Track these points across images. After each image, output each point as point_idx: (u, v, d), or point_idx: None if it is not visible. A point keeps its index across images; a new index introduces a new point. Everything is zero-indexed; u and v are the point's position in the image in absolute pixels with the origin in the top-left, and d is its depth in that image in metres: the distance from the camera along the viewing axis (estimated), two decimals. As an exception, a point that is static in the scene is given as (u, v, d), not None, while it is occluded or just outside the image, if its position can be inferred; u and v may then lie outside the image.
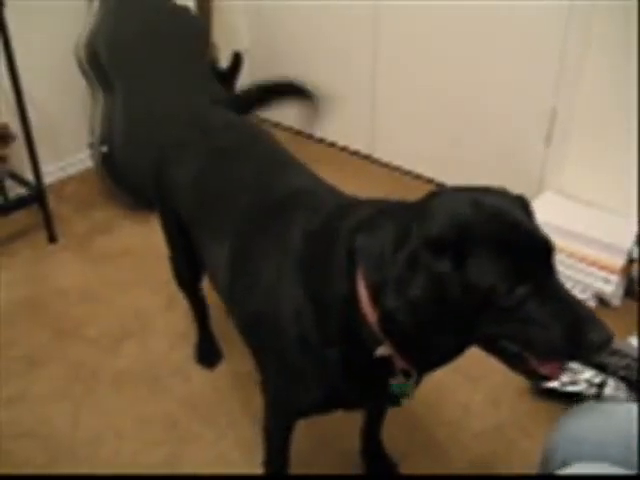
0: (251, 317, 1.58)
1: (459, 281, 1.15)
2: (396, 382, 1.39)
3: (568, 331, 1.17)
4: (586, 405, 1.32)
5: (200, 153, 1.85)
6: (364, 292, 1.28)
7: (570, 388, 2.06)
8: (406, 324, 1.19)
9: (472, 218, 1.20)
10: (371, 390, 1.48)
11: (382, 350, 1.30)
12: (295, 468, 1.82)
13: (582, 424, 1.26)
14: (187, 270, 2.16)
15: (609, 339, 1.17)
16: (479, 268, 1.15)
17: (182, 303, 2.47)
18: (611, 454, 1.21)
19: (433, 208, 1.25)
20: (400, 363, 1.34)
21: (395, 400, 1.45)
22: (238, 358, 2.28)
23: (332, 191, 1.66)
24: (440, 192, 1.32)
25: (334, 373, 1.43)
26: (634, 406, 1.27)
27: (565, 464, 1.24)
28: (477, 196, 1.30)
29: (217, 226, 1.71)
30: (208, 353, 2.33)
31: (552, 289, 1.22)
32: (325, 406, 1.59)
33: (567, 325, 1.18)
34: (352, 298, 1.31)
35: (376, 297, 1.26)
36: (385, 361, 1.34)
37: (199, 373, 2.27)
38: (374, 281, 1.26)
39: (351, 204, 1.51)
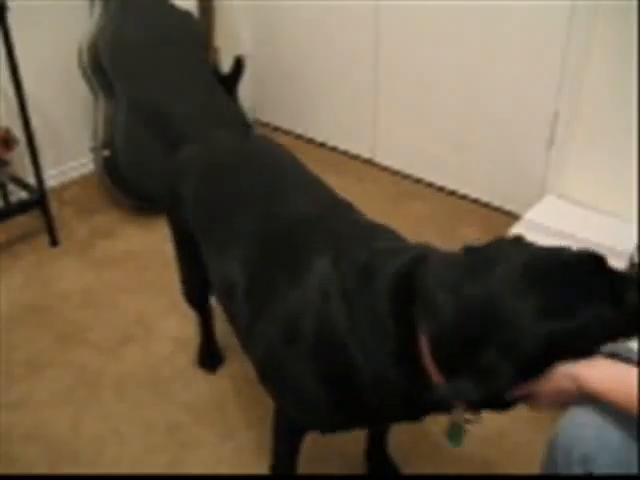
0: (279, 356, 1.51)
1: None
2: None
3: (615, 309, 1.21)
4: (587, 406, 1.33)
5: (211, 168, 1.83)
6: (427, 350, 1.27)
7: (572, 393, 2.06)
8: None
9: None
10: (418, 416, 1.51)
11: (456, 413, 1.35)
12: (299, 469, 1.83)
13: (586, 411, 1.28)
14: (198, 290, 2.13)
15: None
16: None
17: (184, 307, 2.47)
18: (612, 445, 1.23)
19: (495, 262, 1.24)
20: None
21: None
22: (239, 363, 2.28)
23: (351, 217, 1.65)
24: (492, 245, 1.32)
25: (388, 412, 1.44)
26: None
27: (569, 447, 1.26)
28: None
29: (226, 247, 1.66)
30: (210, 357, 2.33)
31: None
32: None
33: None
34: (410, 351, 1.29)
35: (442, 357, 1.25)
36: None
37: (201, 378, 2.27)
38: (442, 342, 1.25)
39: (387, 247, 1.49)
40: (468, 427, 1.42)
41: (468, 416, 1.39)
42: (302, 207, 1.64)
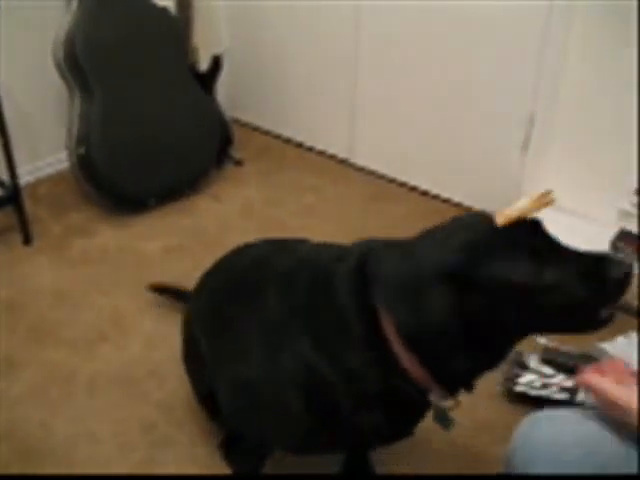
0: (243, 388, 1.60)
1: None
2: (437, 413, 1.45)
3: (588, 279, 1.25)
4: (543, 412, 1.33)
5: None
6: (394, 336, 1.30)
7: (542, 392, 2.08)
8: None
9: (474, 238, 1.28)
10: (405, 430, 1.53)
11: (434, 397, 1.38)
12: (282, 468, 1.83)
13: (539, 430, 1.28)
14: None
15: (628, 271, 1.26)
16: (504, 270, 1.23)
17: (159, 306, 2.47)
18: (568, 459, 1.22)
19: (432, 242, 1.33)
20: (438, 393, 1.38)
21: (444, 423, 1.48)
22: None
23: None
24: (429, 230, 1.40)
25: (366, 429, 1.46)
26: (591, 413, 1.28)
27: (524, 468, 1.26)
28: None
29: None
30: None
31: (556, 254, 1.30)
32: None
33: (584, 274, 1.25)
34: (377, 341, 1.32)
35: (411, 340, 1.29)
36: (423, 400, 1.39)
37: (175, 377, 2.26)
38: (408, 324, 1.28)
39: (330, 255, 1.52)
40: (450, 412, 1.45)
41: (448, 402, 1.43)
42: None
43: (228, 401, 1.71)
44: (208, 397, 1.86)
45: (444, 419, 1.45)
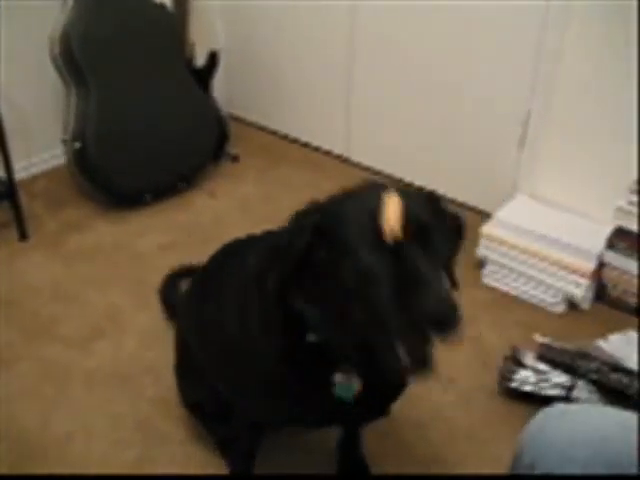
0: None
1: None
2: (339, 382, 1.44)
3: (401, 297, 1.19)
4: (555, 407, 1.32)
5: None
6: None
7: (540, 391, 2.08)
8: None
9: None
10: (319, 399, 1.51)
11: (311, 337, 1.39)
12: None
13: (550, 426, 1.27)
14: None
15: (446, 310, 1.22)
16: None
17: (154, 303, 2.46)
18: (578, 457, 1.22)
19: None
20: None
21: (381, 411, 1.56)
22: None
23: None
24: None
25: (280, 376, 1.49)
26: (607, 409, 1.28)
27: (532, 466, 1.25)
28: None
29: None
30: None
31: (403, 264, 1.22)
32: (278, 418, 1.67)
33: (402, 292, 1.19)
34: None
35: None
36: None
37: (170, 374, 2.23)
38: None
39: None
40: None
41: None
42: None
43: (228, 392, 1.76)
44: (196, 405, 1.97)
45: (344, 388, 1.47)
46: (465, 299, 2.63)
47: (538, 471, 1.23)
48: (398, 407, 2.13)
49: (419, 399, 2.18)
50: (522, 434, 1.32)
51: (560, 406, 1.33)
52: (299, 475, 1.93)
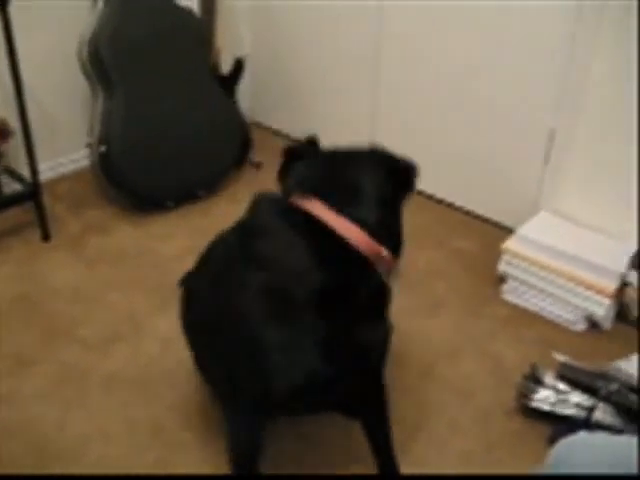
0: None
1: None
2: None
3: None
4: (579, 436, 1.31)
5: None
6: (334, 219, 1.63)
7: (560, 410, 2.07)
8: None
9: None
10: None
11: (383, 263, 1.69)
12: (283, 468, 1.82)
13: (576, 456, 1.26)
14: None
15: None
16: None
17: (175, 307, 2.46)
18: None
19: None
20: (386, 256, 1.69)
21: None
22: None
23: None
24: None
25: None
26: (631, 441, 1.26)
27: None
28: None
29: None
30: None
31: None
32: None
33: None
34: None
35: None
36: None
37: (188, 378, 2.26)
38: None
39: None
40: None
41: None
42: None
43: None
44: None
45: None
46: (485, 315, 2.66)
47: None
48: (415, 423, 2.14)
49: (437, 415, 2.17)
50: (546, 462, 1.31)
51: (583, 434, 1.32)
52: (299, 475, 1.94)
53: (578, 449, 1.27)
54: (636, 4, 2.35)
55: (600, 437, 1.32)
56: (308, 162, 1.85)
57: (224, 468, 1.97)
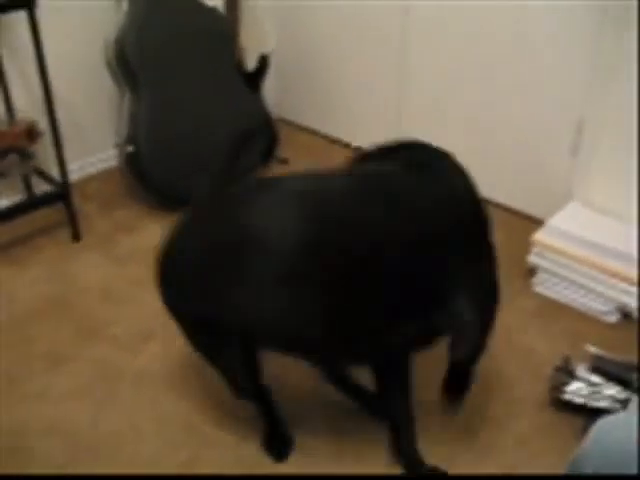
0: None
1: None
2: None
3: None
4: (617, 416, 1.30)
5: None
6: None
7: (594, 403, 2.05)
8: None
9: None
10: None
11: None
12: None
13: (614, 435, 1.25)
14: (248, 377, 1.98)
15: None
16: None
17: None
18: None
19: None
20: None
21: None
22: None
23: None
24: None
25: None
26: None
27: (596, 471, 1.24)
28: None
29: None
30: (278, 442, 2.06)
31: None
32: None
33: None
34: None
35: None
36: None
37: (219, 376, 2.27)
38: None
39: None
40: None
41: None
42: None
43: None
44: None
45: None
46: (515, 307, 2.64)
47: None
48: (447, 417, 2.13)
49: (468, 407, 2.16)
50: (583, 444, 1.30)
51: (622, 415, 1.31)
52: (299, 475, 1.95)
53: (617, 427, 1.27)
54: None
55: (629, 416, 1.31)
56: None
57: (257, 466, 1.99)
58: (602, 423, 1.31)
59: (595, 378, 2.08)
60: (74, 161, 3.14)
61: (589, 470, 1.25)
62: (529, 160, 2.92)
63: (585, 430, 1.93)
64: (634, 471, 1.19)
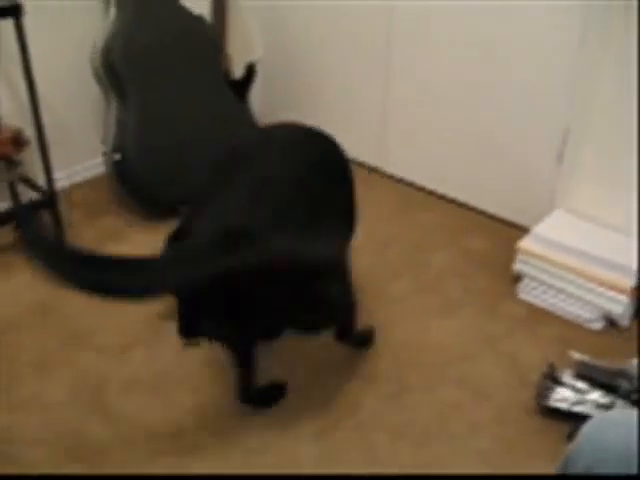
0: None
1: None
2: None
3: None
4: (610, 414, 1.32)
5: None
6: None
7: (577, 408, 2.06)
8: None
9: None
10: None
11: None
12: None
13: (607, 433, 1.26)
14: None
15: None
16: None
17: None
18: (634, 463, 1.21)
19: None
20: None
21: None
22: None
23: None
24: None
25: None
26: None
27: (590, 468, 1.24)
28: None
29: None
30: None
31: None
32: None
33: None
34: None
35: None
36: None
37: (207, 383, 2.27)
38: None
39: None
40: None
41: None
42: None
43: None
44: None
45: None
46: (500, 314, 2.65)
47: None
48: (434, 421, 2.14)
49: (455, 414, 2.17)
50: (574, 442, 1.31)
51: (616, 414, 1.32)
52: (300, 475, 1.95)
53: (611, 426, 1.28)
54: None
55: (629, 414, 1.32)
56: None
57: (242, 473, 1.98)
58: (595, 421, 1.32)
59: (580, 384, 2.10)
60: (60, 169, 3.13)
61: (580, 468, 1.26)
62: (514, 168, 2.95)
63: (570, 436, 1.96)
64: (626, 470, 1.20)
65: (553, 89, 2.71)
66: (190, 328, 2.20)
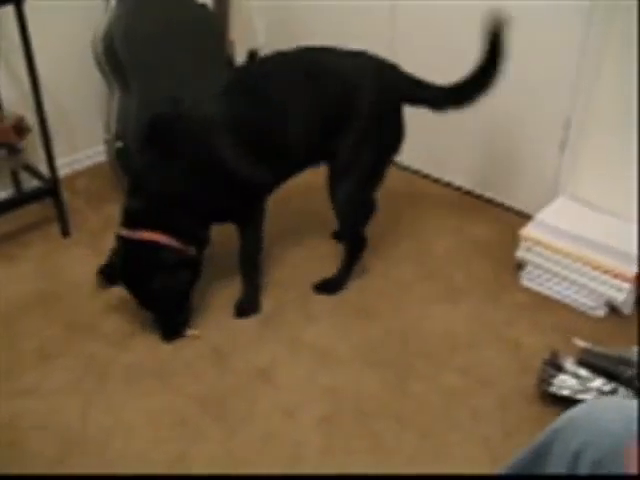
0: None
1: None
2: None
3: None
4: (612, 398, 1.32)
5: None
6: None
7: (580, 396, 2.06)
8: None
9: None
10: None
11: None
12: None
13: (604, 415, 1.27)
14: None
15: None
16: None
17: (195, 300, 2.48)
18: (611, 427, 1.23)
19: None
20: None
21: None
22: (244, 362, 2.30)
23: None
24: None
25: None
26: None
27: (578, 453, 1.24)
28: None
29: None
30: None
31: None
32: None
33: None
34: None
35: None
36: None
37: (209, 370, 2.28)
38: None
39: None
40: None
41: None
42: None
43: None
44: None
45: None
46: (503, 301, 2.65)
47: (587, 457, 1.23)
48: (437, 409, 2.14)
49: (458, 401, 2.17)
50: (562, 421, 1.32)
51: (610, 398, 1.33)
52: (299, 475, 1.95)
53: (612, 408, 1.28)
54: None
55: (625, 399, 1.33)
56: None
57: (246, 462, 1.99)
58: (595, 402, 1.32)
59: (583, 371, 2.10)
60: (63, 157, 3.13)
61: (574, 443, 1.26)
62: (518, 156, 2.94)
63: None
64: (604, 435, 1.21)
65: (556, 77, 2.70)
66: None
